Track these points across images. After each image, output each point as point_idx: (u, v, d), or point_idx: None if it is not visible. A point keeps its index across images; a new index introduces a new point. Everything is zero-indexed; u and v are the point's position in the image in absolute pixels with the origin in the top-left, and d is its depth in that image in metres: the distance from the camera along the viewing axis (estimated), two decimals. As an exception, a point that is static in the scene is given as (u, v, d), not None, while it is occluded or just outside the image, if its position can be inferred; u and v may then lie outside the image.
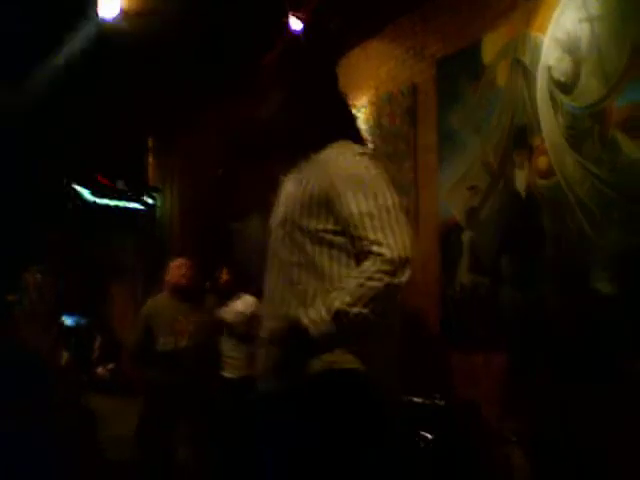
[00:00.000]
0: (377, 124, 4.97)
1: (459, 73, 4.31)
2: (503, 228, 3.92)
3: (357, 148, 1.87)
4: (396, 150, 4.79)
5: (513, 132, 3.88)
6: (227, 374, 4.63)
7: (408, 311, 4.46)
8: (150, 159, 7.55)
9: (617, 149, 3.25)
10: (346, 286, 1.71)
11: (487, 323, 3.94)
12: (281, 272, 1.84)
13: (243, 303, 4.65)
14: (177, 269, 4.45)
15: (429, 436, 3.30)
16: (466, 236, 4.18)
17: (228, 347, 4.65)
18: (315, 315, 1.69)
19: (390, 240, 1.70)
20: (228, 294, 4.75)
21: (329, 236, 1.80)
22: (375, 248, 1.70)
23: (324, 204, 1.80)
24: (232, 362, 4.61)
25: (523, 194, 3.79)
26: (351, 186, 1.76)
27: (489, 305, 3.95)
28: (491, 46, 4.10)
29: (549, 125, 3.64)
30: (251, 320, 4.39)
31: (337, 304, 1.68)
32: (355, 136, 1.97)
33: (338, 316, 1.67)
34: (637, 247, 3.12)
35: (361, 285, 1.67)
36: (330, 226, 1.80)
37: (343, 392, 1.75)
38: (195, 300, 4.46)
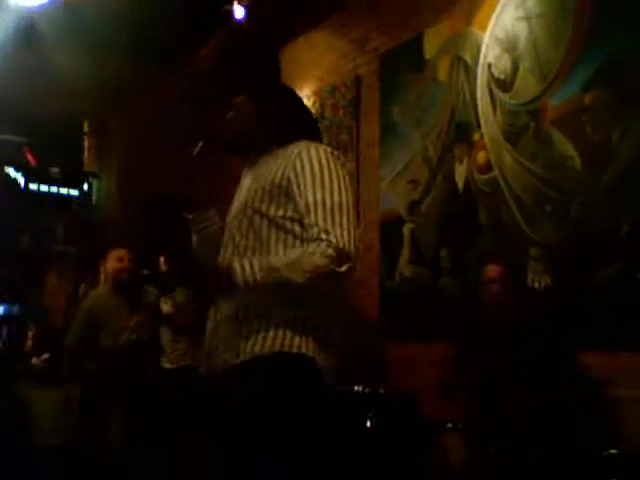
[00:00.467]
0: (320, 115, 4.99)
1: (402, 67, 4.37)
2: (443, 221, 4.01)
3: (325, 147, 1.93)
4: (338, 142, 4.83)
5: (453, 127, 3.97)
6: (166, 365, 4.59)
7: (351, 302, 4.52)
8: (86, 143, 7.36)
9: (551, 145, 3.37)
10: (288, 255, 1.81)
11: (426, 313, 4.03)
12: (235, 256, 1.87)
13: (181, 294, 4.61)
14: (117, 261, 4.36)
15: (368, 424, 3.35)
16: (407, 228, 4.25)
17: (167, 338, 4.61)
18: (247, 264, 1.77)
19: (337, 232, 1.79)
20: (167, 285, 4.69)
21: (286, 223, 1.87)
22: (323, 235, 1.78)
23: (285, 192, 1.86)
24: (171, 353, 4.58)
25: (462, 188, 3.89)
26: (313, 178, 1.83)
27: (428, 296, 4.04)
28: (433, 41, 4.17)
29: (488, 121, 3.74)
30: (189, 311, 4.38)
31: (273, 261, 1.78)
32: (317, 135, 2.05)
33: (269, 272, 1.76)
34: (569, 240, 3.25)
35: (301, 256, 1.77)
36: (289, 213, 1.86)
37: (289, 376, 1.80)
38: (135, 293, 4.39)
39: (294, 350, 1.81)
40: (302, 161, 1.86)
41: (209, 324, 1.95)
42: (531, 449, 2.72)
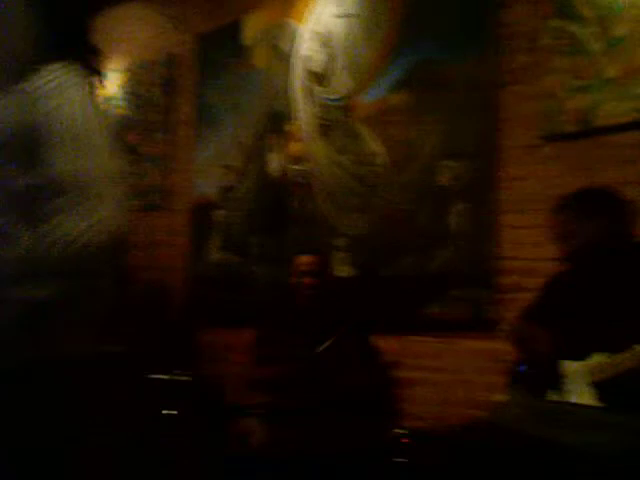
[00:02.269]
0: (133, 92, 4.78)
1: (220, 50, 4.31)
2: (255, 209, 4.03)
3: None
4: (151, 120, 4.66)
5: (270, 116, 3.99)
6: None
7: (154, 287, 4.39)
8: None
9: (360, 141, 3.51)
10: None
11: (236, 301, 4.03)
12: None
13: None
14: None
15: (174, 412, 3.29)
16: (218, 214, 4.22)
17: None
18: None
19: None
20: None
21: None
22: None
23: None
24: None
25: (276, 177, 3.93)
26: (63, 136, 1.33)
27: (239, 283, 4.04)
28: (251, 28, 4.16)
29: (304, 113, 3.81)
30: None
31: None
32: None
33: None
34: (374, 232, 3.41)
35: None
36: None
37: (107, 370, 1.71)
38: None
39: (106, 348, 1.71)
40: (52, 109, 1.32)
41: None
42: (328, 433, 2.82)
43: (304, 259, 3.24)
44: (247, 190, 4.08)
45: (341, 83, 3.64)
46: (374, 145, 3.44)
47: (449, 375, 3.05)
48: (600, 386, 1.96)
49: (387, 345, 3.04)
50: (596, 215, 2.10)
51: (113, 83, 4.87)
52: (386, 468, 2.61)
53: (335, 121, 3.63)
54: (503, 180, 2.97)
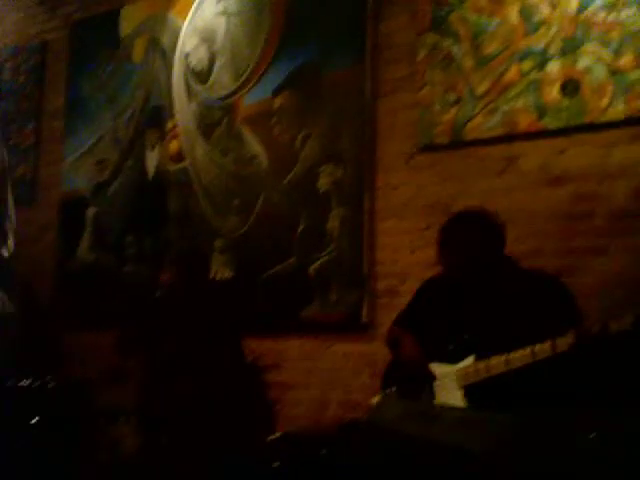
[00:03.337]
0: (1, 79, 4.49)
1: (95, 39, 4.14)
2: (131, 207, 3.90)
3: None
4: (18, 109, 4.40)
5: (147, 111, 3.88)
6: None
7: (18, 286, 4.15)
8: None
9: (242, 143, 3.49)
10: None
11: (108, 300, 3.87)
12: None
13: None
14: None
15: (35, 419, 3.12)
16: (91, 211, 4.04)
17: None
18: None
19: None
20: None
21: None
22: None
23: None
24: None
25: (153, 175, 3.82)
26: None
27: (110, 283, 3.90)
28: (130, 19, 4.03)
29: (183, 110, 3.73)
30: None
31: None
32: None
33: None
34: (251, 235, 3.40)
35: None
36: None
37: None
38: None
39: None
40: None
41: None
42: (200, 436, 2.79)
43: (179, 260, 3.19)
44: (122, 187, 3.94)
45: (222, 83, 3.60)
46: (256, 147, 3.43)
47: (325, 377, 3.10)
48: (469, 389, 2.07)
49: (263, 347, 3.05)
50: (477, 231, 2.22)
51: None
52: (260, 473, 2.62)
53: (216, 121, 3.58)
54: (380, 187, 3.06)
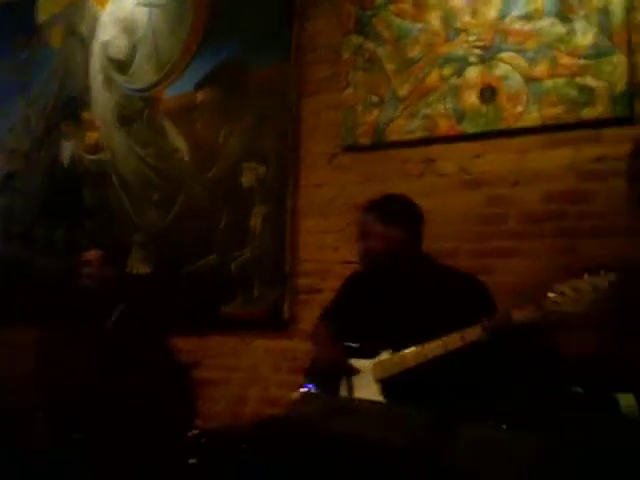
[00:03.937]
0: None
1: (10, 24, 3.97)
2: (43, 198, 3.76)
3: None
4: None
5: (63, 101, 3.76)
6: None
7: None
8: None
9: (163, 136, 3.43)
10: None
11: (19, 295, 3.73)
12: None
13: None
14: None
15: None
16: (1, 202, 3.88)
17: None
18: None
19: None
20: None
21: None
22: None
23: None
24: None
25: (68, 165, 3.71)
26: None
27: (21, 277, 3.75)
28: (46, 6, 3.90)
29: (101, 101, 3.64)
30: None
31: None
32: None
33: None
34: (172, 229, 3.35)
35: None
36: None
37: None
38: None
39: None
40: None
41: None
42: (121, 435, 2.74)
43: (93, 254, 3.08)
44: (34, 178, 3.79)
45: (143, 73, 3.53)
46: (177, 140, 3.38)
47: (246, 374, 3.10)
48: (386, 383, 2.12)
49: (185, 344, 3.02)
50: (397, 223, 2.25)
51: None
52: (180, 469, 2.59)
53: (136, 112, 3.51)
54: (304, 185, 3.08)
